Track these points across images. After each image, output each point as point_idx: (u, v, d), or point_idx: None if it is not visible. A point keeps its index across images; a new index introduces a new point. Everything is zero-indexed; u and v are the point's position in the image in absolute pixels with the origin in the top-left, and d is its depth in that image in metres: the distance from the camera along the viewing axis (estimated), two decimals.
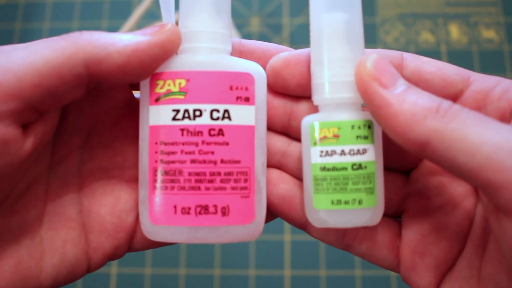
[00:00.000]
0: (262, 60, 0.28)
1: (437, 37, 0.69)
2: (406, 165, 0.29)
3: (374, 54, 0.25)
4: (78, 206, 0.27)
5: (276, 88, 0.28)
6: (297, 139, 0.29)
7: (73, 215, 0.27)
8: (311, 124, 0.26)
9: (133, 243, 0.28)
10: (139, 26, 0.68)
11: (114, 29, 0.70)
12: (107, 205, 0.28)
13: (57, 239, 0.26)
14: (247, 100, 0.26)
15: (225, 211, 0.26)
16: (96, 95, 0.28)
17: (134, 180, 0.29)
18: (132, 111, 0.29)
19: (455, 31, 0.69)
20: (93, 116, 0.28)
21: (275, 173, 0.28)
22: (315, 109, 0.28)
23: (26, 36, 0.70)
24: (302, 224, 0.28)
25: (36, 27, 0.70)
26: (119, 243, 0.28)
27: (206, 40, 0.26)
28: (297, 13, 0.71)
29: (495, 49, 0.67)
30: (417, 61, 0.27)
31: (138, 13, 0.65)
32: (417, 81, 0.26)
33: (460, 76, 0.26)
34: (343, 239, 0.28)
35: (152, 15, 0.70)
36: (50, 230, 0.26)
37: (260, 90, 0.27)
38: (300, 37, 0.69)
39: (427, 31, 0.69)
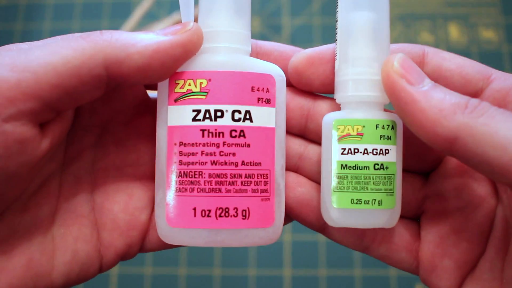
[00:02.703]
0: (278, 61, 0.28)
1: (437, 37, 0.69)
2: (425, 167, 0.28)
3: (400, 54, 0.25)
4: (90, 203, 0.27)
5: (300, 87, 0.28)
6: (314, 141, 0.29)
7: (85, 212, 0.27)
8: (334, 121, 0.26)
9: (145, 242, 0.28)
10: (139, 26, 0.67)
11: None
12: (120, 202, 0.28)
13: (69, 236, 0.26)
14: (268, 102, 0.26)
15: (245, 214, 0.25)
16: (110, 93, 0.27)
17: (147, 178, 0.28)
18: (145, 109, 0.29)
19: (454, 31, 0.69)
20: (107, 114, 0.28)
21: (293, 176, 0.28)
22: (332, 110, 0.28)
23: (26, 37, 0.69)
24: (320, 227, 0.28)
25: (37, 27, 0.69)
26: (131, 241, 0.27)
27: (227, 40, 0.26)
28: (297, 13, 0.71)
29: (495, 49, 0.67)
30: (438, 57, 0.27)
31: (138, 14, 0.65)
32: (437, 78, 0.26)
33: (480, 74, 0.26)
34: (362, 241, 0.28)
35: (152, 16, 0.69)
36: (62, 227, 0.26)
37: (280, 92, 0.27)
38: (300, 37, 0.69)
39: (427, 31, 0.69)
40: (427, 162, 0.28)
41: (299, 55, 0.28)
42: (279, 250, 0.60)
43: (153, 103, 0.28)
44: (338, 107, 0.28)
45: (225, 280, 0.59)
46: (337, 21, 0.27)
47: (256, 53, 0.28)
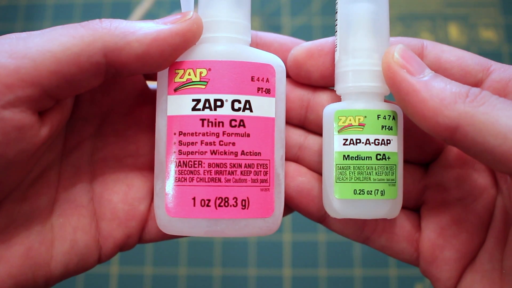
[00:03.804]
0: (278, 52, 0.28)
1: (436, 37, 0.69)
2: (425, 158, 0.28)
3: (401, 44, 0.25)
4: (89, 193, 0.27)
5: (299, 79, 0.28)
6: (314, 132, 0.29)
7: (85, 202, 0.27)
8: (336, 111, 0.26)
9: (144, 233, 0.28)
10: None
11: None
12: (119, 193, 0.28)
13: (68, 226, 0.26)
14: (267, 92, 0.26)
15: (245, 204, 0.25)
16: (110, 83, 0.27)
17: (147, 169, 0.28)
18: (145, 99, 0.29)
19: (454, 31, 0.69)
20: (106, 105, 0.28)
21: (293, 166, 0.28)
22: (333, 101, 0.28)
23: None
24: (320, 217, 0.28)
25: (37, 27, 0.69)
26: (130, 231, 0.27)
27: (227, 30, 0.26)
28: (297, 13, 0.71)
29: (494, 50, 0.67)
30: (437, 50, 0.27)
31: (138, 14, 0.65)
32: (436, 70, 0.26)
33: (480, 66, 0.26)
34: (362, 232, 0.28)
35: (152, 16, 0.69)
36: (61, 217, 0.26)
37: (280, 82, 0.27)
38: (300, 37, 0.69)
39: (426, 31, 0.69)
40: (427, 153, 0.28)
41: (299, 48, 0.28)
42: (279, 250, 0.60)
43: (152, 93, 0.29)
44: (337, 99, 0.28)
45: (225, 280, 0.59)
46: (336, 12, 0.27)
47: (256, 44, 0.28)
